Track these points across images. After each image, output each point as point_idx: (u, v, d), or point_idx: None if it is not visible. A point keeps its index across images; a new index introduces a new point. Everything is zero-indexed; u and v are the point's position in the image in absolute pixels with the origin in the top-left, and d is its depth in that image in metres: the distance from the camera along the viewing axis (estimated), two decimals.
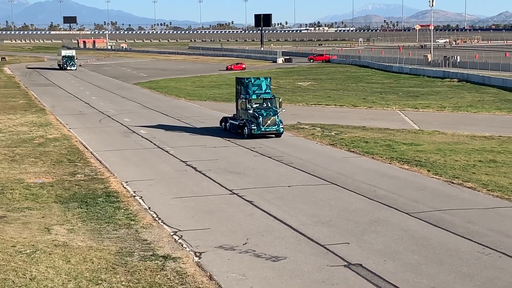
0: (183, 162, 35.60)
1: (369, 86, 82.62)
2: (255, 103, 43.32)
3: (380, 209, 25.68)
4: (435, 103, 62.35)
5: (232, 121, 45.43)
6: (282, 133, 43.18)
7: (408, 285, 17.90)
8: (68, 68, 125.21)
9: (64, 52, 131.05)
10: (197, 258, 20.26)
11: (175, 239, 22.12)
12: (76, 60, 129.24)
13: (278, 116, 42.99)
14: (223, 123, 47.02)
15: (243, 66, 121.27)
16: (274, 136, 42.88)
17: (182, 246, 21.42)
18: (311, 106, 62.84)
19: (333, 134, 44.64)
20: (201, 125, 50.03)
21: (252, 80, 44.34)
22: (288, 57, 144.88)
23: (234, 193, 28.57)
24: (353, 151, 38.29)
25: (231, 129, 45.23)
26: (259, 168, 34.01)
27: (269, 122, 42.46)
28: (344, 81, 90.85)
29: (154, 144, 41.48)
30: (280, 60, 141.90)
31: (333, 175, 31.93)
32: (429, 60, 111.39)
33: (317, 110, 59.68)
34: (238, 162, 35.51)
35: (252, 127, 42.31)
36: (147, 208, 26.21)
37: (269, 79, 45.07)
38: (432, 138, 42.58)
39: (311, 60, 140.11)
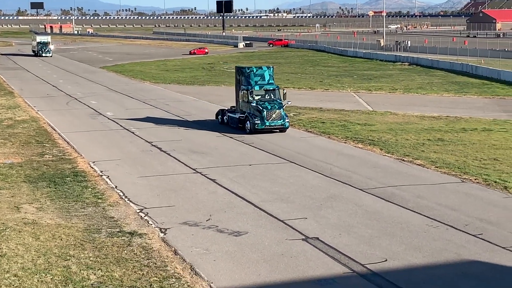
0: (149, 142, 35.37)
1: (326, 69, 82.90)
2: (257, 95, 37.62)
3: (335, 186, 25.89)
4: (387, 85, 62.85)
5: (230, 114, 39.65)
6: (287, 127, 37.72)
7: (362, 256, 18.11)
8: (44, 54, 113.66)
9: (39, 38, 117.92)
10: (162, 234, 20.23)
11: (141, 216, 22.02)
12: (51, 46, 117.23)
13: (283, 110, 37.60)
14: (219, 116, 41.20)
15: (206, 50, 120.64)
16: (278, 131, 37.69)
17: (148, 223, 21.35)
18: None
19: (292, 115, 44.67)
20: (166, 107, 49.70)
21: (254, 70, 38.27)
22: (248, 42, 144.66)
23: (198, 172, 28.51)
24: (311, 131, 38.46)
25: (230, 123, 39.40)
26: (221, 148, 33.97)
27: (274, 116, 36.85)
28: (302, 64, 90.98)
29: (120, 126, 41.13)
30: (241, 44, 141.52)
31: (291, 154, 32.05)
32: (382, 44, 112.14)
33: None
34: (201, 142, 35.40)
35: (256, 122, 36.68)
36: (114, 187, 26.03)
37: (272, 68, 39.16)
38: (384, 118, 42.97)
39: (271, 45, 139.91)
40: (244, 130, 37.53)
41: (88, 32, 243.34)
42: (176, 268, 17.40)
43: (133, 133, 38.48)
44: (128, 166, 29.82)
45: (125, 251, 18.53)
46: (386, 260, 17.85)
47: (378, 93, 58.14)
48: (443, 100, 52.90)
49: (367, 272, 17.11)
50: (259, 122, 36.71)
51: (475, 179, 26.39)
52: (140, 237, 19.73)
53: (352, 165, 29.39)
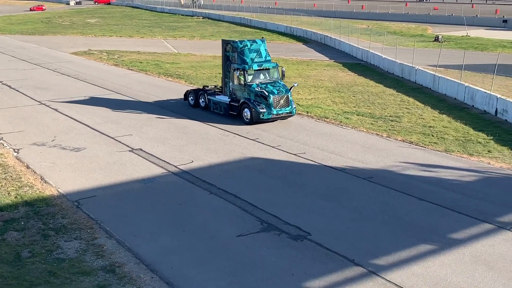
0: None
1: (141, 22, 79.60)
2: (249, 74, 22.74)
3: (153, 109, 25.29)
4: (188, 33, 61.90)
5: (213, 98, 24.30)
6: (294, 114, 22.99)
7: (175, 160, 18.04)
8: None
9: None
10: (16, 153, 18.66)
11: None
12: None
13: (290, 94, 22.90)
14: (191, 98, 25.48)
15: (43, 7, 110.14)
16: (282, 119, 23.00)
17: (3, 145, 19.51)
18: (98, 37, 59.24)
19: (116, 57, 42.67)
20: (12, 53, 45.01)
21: (248, 44, 23.17)
22: (78, 1, 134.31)
23: (42, 104, 26.38)
24: (132, 69, 36.98)
25: (213, 109, 24.33)
26: (60, 84, 31.59)
27: (282, 102, 22.34)
28: (122, 18, 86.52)
29: None
30: (72, 2, 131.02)
31: (117, 87, 30.67)
32: (182, 3, 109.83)
33: (103, 40, 56.44)
34: (43, 80, 32.65)
35: (261, 110, 22.03)
36: None
37: (265, 41, 23.92)
38: (187, 58, 42.45)
39: (96, 3, 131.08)
40: (238, 118, 22.93)
41: None
42: (29, 179, 16.18)
43: None
44: None
45: None
46: (192, 161, 17.95)
47: (181, 39, 57.12)
48: None
49: (179, 171, 17.11)
50: (264, 110, 22.14)
51: None
52: None
53: (165, 94, 28.83)
